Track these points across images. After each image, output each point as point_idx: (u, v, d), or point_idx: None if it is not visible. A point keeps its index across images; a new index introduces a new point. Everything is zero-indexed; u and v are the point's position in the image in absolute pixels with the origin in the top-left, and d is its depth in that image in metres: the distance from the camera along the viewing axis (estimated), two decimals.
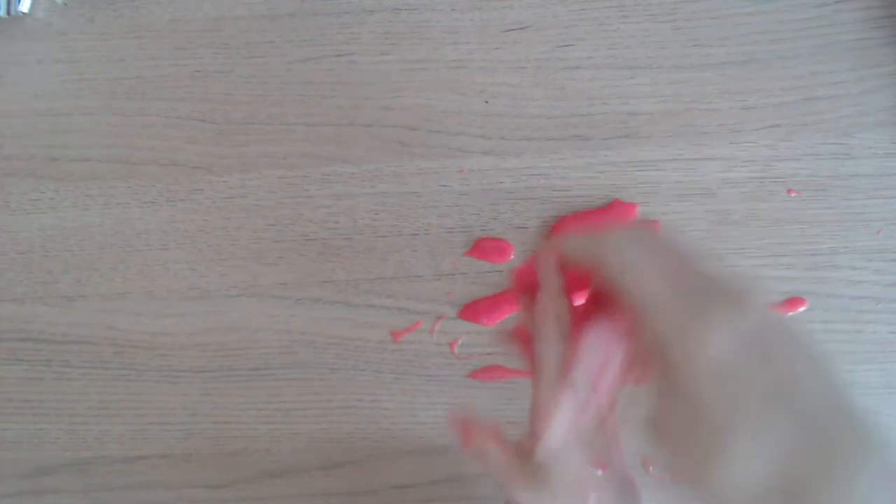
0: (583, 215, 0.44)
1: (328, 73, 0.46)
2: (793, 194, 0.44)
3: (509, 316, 0.44)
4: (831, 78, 0.44)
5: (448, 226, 0.45)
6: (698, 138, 0.44)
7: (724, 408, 0.22)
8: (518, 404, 0.44)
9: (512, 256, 0.44)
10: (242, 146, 0.46)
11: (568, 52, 0.45)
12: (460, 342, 0.44)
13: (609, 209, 0.44)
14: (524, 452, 0.28)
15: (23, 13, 0.46)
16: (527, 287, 0.32)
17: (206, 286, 0.45)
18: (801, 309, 0.43)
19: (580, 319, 0.29)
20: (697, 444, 0.22)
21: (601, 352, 0.28)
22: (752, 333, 0.23)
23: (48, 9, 0.47)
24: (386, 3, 0.46)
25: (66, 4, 0.47)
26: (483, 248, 0.44)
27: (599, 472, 0.28)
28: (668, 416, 0.24)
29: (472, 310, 0.44)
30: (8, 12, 0.46)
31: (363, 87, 0.46)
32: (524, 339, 0.32)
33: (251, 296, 0.45)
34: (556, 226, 0.44)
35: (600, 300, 0.29)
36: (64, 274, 0.46)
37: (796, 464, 0.21)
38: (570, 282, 0.30)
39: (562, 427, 0.27)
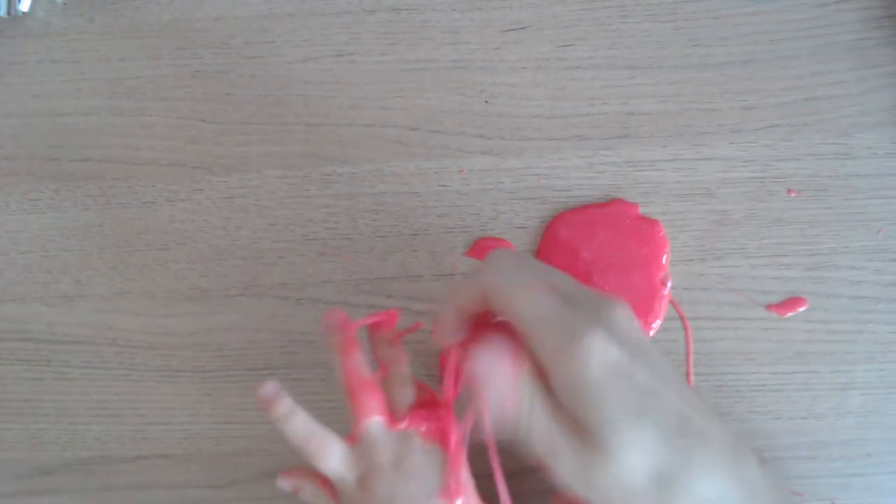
0: (580, 210, 0.44)
1: (328, 73, 0.46)
2: (793, 194, 0.44)
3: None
4: (831, 78, 0.44)
5: (448, 226, 0.45)
6: (698, 138, 0.44)
7: (603, 420, 0.28)
8: None
9: None
10: (242, 146, 0.46)
11: (568, 52, 0.45)
12: None
13: (608, 206, 0.44)
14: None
15: (23, 13, 0.46)
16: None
17: (206, 286, 0.45)
18: (801, 309, 0.43)
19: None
20: (584, 449, 0.28)
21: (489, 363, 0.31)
22: (617, 356, 0.28)
23: (48, 9, 0.47)
24: (386, 3, 0.46)
25: (66, 4, 0.47)
26: (483, 248, 0.44)
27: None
28: (558, 424, 0.29)
29: None
30: (8, 12, 0.46)
31: (363, 87, 0.46)
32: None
33: (251, 296, 0.45)
34: (552, 222, 0.44)
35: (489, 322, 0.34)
36: (64, 274, 0.46)
37: (664, 458, 0.27)
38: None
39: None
